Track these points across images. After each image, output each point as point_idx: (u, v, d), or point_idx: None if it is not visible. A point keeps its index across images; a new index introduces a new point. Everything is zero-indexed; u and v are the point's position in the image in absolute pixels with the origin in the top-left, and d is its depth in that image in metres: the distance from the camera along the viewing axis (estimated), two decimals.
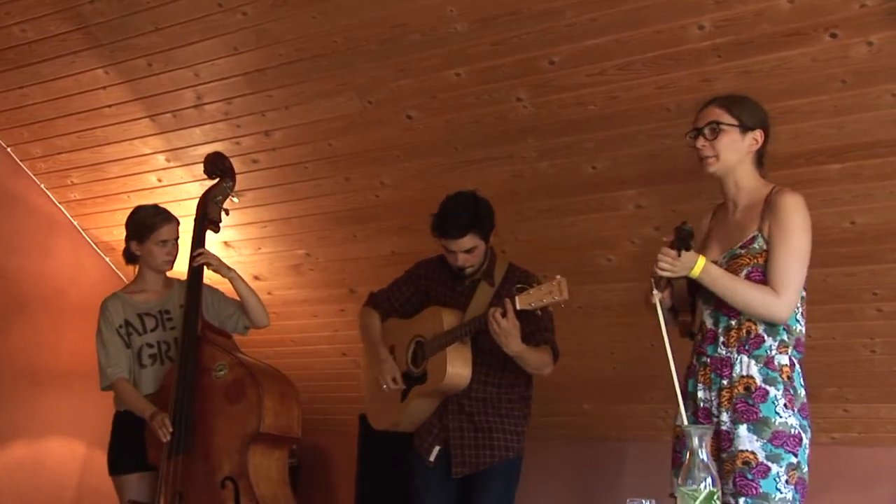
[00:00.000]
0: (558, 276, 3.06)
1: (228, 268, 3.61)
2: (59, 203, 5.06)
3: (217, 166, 3.69)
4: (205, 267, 3.59)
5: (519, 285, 3.16)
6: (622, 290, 3.93)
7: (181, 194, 4.58)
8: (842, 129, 3.15)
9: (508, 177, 3.84)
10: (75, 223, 5.14)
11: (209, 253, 3.58)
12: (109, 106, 4.35)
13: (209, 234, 3.69)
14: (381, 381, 3.50)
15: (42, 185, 4.99)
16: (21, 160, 4.90)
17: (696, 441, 1.95)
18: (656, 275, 2.59)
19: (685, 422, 2.47)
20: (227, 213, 3.71)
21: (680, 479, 1.95)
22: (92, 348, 4.84)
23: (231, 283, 3.60)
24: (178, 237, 3.69)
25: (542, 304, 3.10)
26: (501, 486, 3.43)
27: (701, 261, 2.57)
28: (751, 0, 2.97)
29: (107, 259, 5.25)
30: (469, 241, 3.35)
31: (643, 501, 2.06)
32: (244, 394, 3.35)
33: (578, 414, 4.47)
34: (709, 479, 1.92)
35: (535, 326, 3.36)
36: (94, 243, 5.20)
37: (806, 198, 3.32)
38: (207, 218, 3.63)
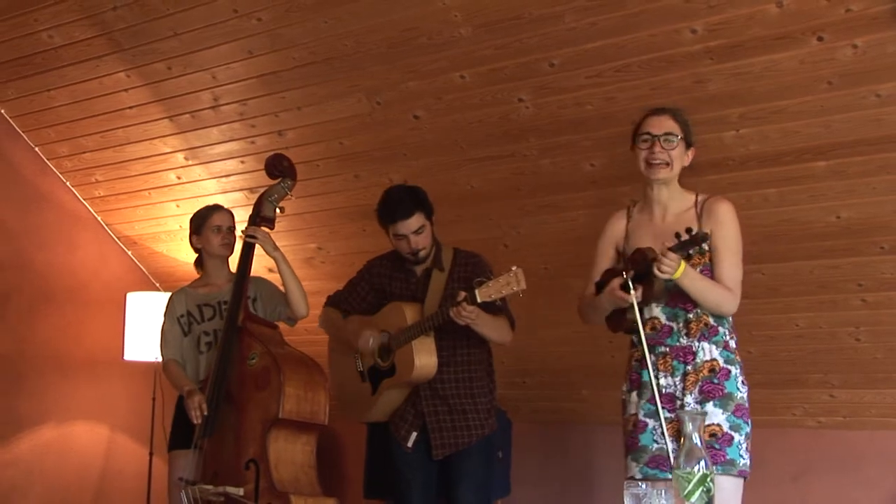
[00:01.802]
0: (514, 267, 3.08)
1: (275, 247, 3.63)
2: (84, 200, 5.07)
3: (277, 167, 3.69)
4: (255, 249, 3.62)
5: (478, 279, 3.18)
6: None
7: (199, 191, 4.58)
8: (828, 128, 3.15)
9: (511, 174, 3.84)
10: (99, 219, 5.14)
11: (260, 230, 3.60)
12: (131, 107, 4.35)
13: None
14: (360, 343, 3.46)
15: (68, 183, 5.00)
16: (48, 159, 4.90)
17: (690, 426, 1.95)
18: (631, 274, 2.66)
19: (658, 401, 2.59)
20: (283, 211, 3.71)
21: (675, 462, 1.95)
22: (114, 337, 4.91)
23: (275, 262, 3.62)
24: (232, 226, 3.76)
25: (500, 295, 3.12)
26: (480, 464, 3.45)
27: (682, 264, 2.65)
28: (742, 5, 2.96)
29: (129, 253, 5.26)
30: (416, 220, 3.38)
31: (639, 483, 2.06)
32: (268, 381, 3.37)
33: (577, 400, 4.47)
34: (702, 462, 1.92)
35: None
36: (117, 238, 5.21)
37: (794, 193, 3.36)
38: (260, 215, 3.65)
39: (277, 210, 3.68)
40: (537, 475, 4.57)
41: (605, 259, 2.92)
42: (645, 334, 2.79)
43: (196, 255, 3.85)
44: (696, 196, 2.84)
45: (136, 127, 4.45)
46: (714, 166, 3.33)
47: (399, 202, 3.39)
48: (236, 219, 3.83)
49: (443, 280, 3.45)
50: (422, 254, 3.43)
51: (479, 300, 3.12)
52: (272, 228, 3.69)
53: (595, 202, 3.76)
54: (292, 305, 3.66)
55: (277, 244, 3.63)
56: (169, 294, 3.90)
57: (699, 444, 1.94)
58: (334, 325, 3.67)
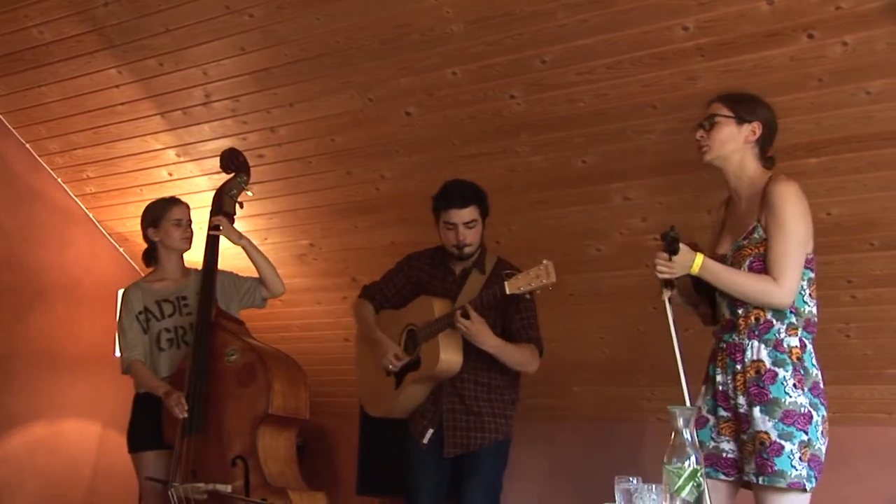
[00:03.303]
0: (545, 261, 3.07)
1: (240, 235, 3.64)
2: (76, 196, 5.05)
3: (232, 162, 3.71)
4: (219, 240, 3.62)
5: (507, 271, 3.17)
6: (611, 278, 3.93)
7: (191, 188, 4.57)
8: (818, 125, 3.15)
9: (503, 171, 3.84)
10: (91, 215, 5.13)
11: (222, 219, 3.60)
12: (123, 104, 4.34)
13: None
14: (382, 362, 3.46)
15: (59, 180, 4.98)
16: (39, 156, 4.89)
17: (680, 421, 1.95)
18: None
19: (687, 404, 2.49)
20: (242, 206, 3.73)
21: (665, 457, 1.95)
22: (106, 334, 4.89)
23: (244, 250, 3.63)
24: (190, 219, 3.74)
25: (530, 288, 3.10)
26: (490, 468, 3.44)
27: (699, 258, 2.57)
28: (733, 2, 2.97)
29: (120, 249, 5.24)
30: (471, 212, 3.36)
31: (629, 479, 2.06)
32: (254, 377, 3.36)
33: (568, 396, 4.47)
34: (693, 458, 1.92)
35: (520, 323, 3.37)
36: (109, 234, 5.20)
37: None
38: (222, 211, 3.66)
39: (237, 205, 3.69)
40: (529, 471, 4.57)
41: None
42: (716, 330, 2.73)
43: (146, 248, 3.79)
44: (769, 179, 2.62)
45: (127, 123, 4.44)
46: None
47: (458, 191, 3.38)
48: (237, 214, 3.80)
49: (480, 282, 3.42)
50: (467, 250, 3.40)
51: (508, 292, 3.11)
52: (232, 223, 3.70)
53: (587, 199, 3.76)
54: (269, 286, 3.71)
55: (266, 239, 3.65)
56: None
57: (690, 439, 1.94)
58: (365, 322, 3.61)
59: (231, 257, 4.09)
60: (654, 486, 1.97)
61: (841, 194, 3.29)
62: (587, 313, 4.12)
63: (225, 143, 4.31)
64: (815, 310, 2.66)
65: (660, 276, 2.59)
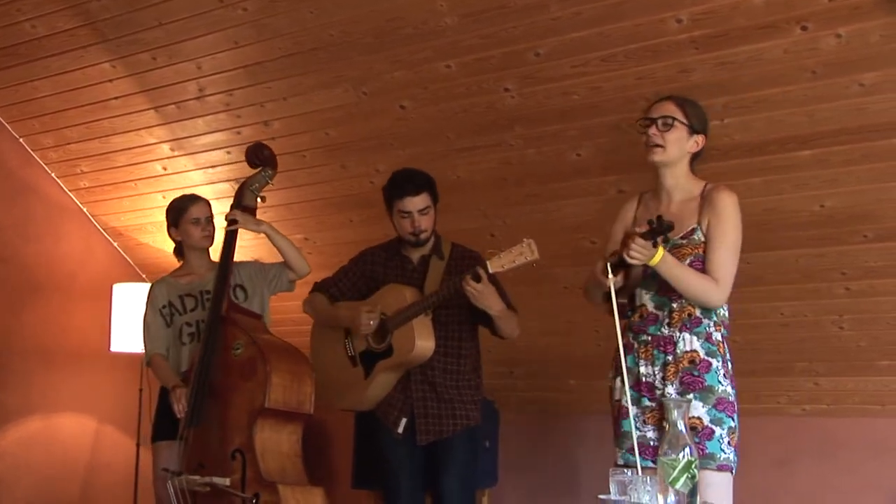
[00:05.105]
0: (526, 238, 3.07)
1: (259, 222, 3.63)
2: (69, 191, 5.04)
3: (257, 156, 3.69)
4: (238, 233, 3.61)
5: (490, 250, 3.18)
6: None
7: (185, 182, 4.57)
8: (812, 117, 3.16)
9: (497, 164, 3.84)
10: (85, 210, 5.12)
11: (237, 212, 3.59)
12: (116, 98, 4.33)
13: None
14: (360, 323, 3.41)
15: (53, 174, 4.97)
16: (33, 150, 4.88)
17: (675, 413, 1.96)
18: (613, 260, 2.61)
19: (627, 397, 2.61)
20: (264, 200, 3.71)
21: (660, 449, 1.96)
22: (101, 329, 4.89)
23: (266, 236, 3.64)
24: (210, 216, 3.75)
25: (514, 266, 3.10)
26: (465, 456, 3.45)
27: (660, 250, 2.62)
28: None
29: (115, 244, 5.24)
30: (424, 199, 3.38)
31: (624, 471, 2.07)
32: (255, 371, 3.36)
33: (565, 390, 4.48)
34: (687, 449, 1.93)
35: (500, 294, 3.37)
36: (103, 229, 5.19)
37: (778, 183, 3.37)
38: (242, 205, 3.65)
39: (259, 199, 3.68)
40: (525, 465, 4.58)
41: (616, 244, 2.83)
42: (633, 322, 2.79)
43: (174, 248, 3.83)
44: (705, 186, 2.76)
45: (121, 118, 4.43)
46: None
47: (409, 178, 3.41)
48: (223, 210, 3.81)
49: (441, 268, 3.44)
50: (423, 236, 3.42)
51: (490, 271, 3.12)
52: (253, 216, 3.69)
53: (581, 192, 3.77)
54: (295, 267, 3.71)
55: (261, 234, 3.64)
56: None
57: (684, 430, 1.95)
58: (323, 309, 3.62)
59: (251, 248, 4.10)
60: (648, 477, 1.98)
61: (834, 186, 3.29)
62: (582, 307, 4.08)
63: (219, 138, 4.31)
64: (727, 313, 2.78)
65: (632, 261, 2.60)
